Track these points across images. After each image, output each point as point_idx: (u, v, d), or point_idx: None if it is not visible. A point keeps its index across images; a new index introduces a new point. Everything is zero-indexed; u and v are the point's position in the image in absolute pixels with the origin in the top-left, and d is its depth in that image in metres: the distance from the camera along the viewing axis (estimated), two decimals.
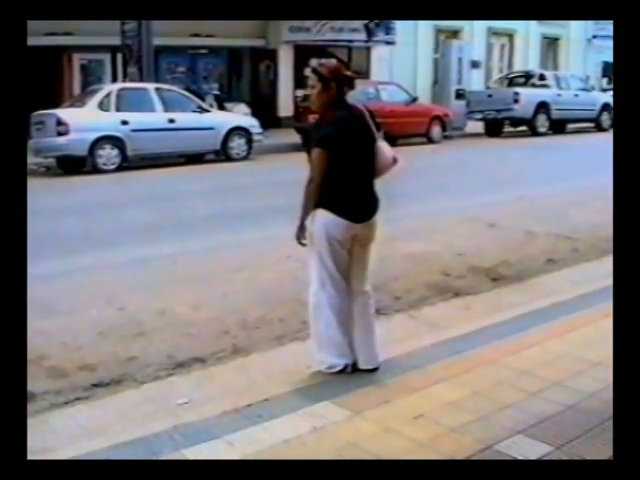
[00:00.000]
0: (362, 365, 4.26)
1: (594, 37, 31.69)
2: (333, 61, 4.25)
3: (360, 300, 4.25)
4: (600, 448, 3.25)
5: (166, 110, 14.89)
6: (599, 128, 22.56)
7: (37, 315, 5.07)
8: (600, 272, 6.09)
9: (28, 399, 3.95)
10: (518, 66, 28.68)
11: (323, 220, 4.01)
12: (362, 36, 23.03)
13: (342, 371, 4.19)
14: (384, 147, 4.20)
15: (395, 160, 4.21)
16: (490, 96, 22.02)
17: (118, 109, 14.32)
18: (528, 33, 29.61)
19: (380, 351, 4.35)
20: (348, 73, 4.23)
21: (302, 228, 4.10)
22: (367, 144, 4.13)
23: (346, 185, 4.05)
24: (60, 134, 13.78)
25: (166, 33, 17.13)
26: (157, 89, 15.33)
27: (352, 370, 4.22)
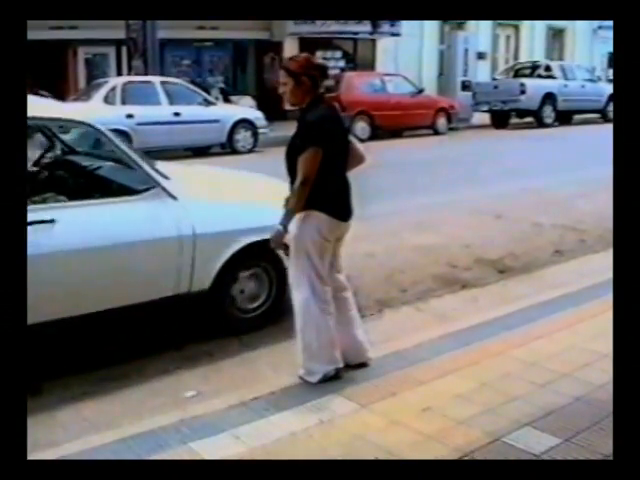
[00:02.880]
0: (352, 361, 4.17)
1: (599, 28, 31.50)
2: (303, 55, 4.06)
3: (339, 295, 4.13)
4: (607, 440, 3.23)
5: (171, 103, 14.87)
6: (605, 119, 22.42)
7: None
8: (607, 263, 5.97)
9: (35, 393, 3.96)
10: (524, 57, 28.57)
11: (316, 222, 3.84)
12: (367, 28, 22.96)
13: (335, 377, 4.03)
14: (356, 142, 4.11)
15: (364, 157, 4.11)
16: (496, 87, 21.93)
17: (123, 103, 14.29)
18: (533, 24, 29.49)
19: (373, 346, 4.31)
20: (318, 62, 4.02)
21: (285, 232, 3.84)
22: (345, 140, 4.02)
23: (334, 183, 3.93)
24: None
25: (171, 26, 17.08)
26: (162, 82, 15.29)
27: (342, 372, 4.09)
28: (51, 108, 5.16)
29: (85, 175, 5.24)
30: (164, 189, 4.58)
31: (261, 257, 4.93)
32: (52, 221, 4.09)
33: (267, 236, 3.99)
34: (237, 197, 5.21)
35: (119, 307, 4.43)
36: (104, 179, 5.00)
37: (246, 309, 5.06)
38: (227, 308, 4.94)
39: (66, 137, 5.93)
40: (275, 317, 5.09)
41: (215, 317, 4.96)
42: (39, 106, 4.64)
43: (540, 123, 21.47)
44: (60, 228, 4.13)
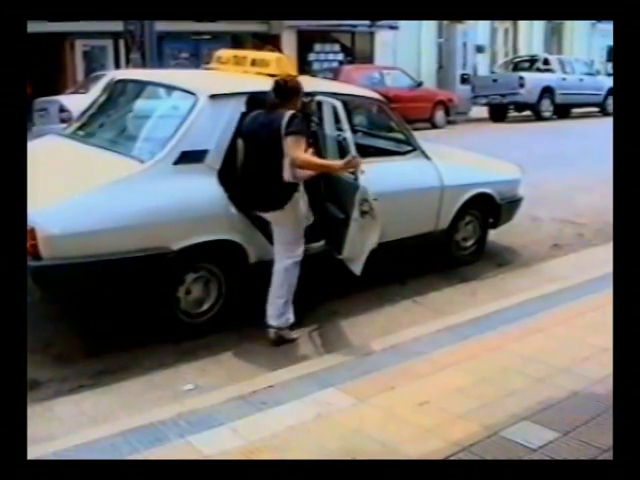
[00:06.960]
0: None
1: (598, 21, 31.44)
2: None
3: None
4: (606, 434, 3.23)
5: None
6: (604, 113, 22.39)
7: None
8: (606, 257, 6.01)
9: (33, 387, 3.96)
10: (522, 50, 28.49)
11: None
12: (366, 21, 22.86)
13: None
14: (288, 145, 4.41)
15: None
16: (495, 81, 21.86)
17: None
18: None
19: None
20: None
21: None
22: (260, 137, 4.50)
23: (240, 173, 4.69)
24: (63, 121, 13.64)
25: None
26: None
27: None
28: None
29: (371, 140, 6.77)
30: (423, 151, 6.02)
31: (474, 207, 6.39)
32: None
33: (482, 190, 6.29)
34: (463, 161, 6.76)
35: (405, 237, 5.81)
36: (382, 143, 6.56)
37: (464, 247, 6.50)
38: (451, 247, 6.39)
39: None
40: (480, 255, 6.64)
41: (443, 253, 6.38)
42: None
43: (538, 117, 21.44)
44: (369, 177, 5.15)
